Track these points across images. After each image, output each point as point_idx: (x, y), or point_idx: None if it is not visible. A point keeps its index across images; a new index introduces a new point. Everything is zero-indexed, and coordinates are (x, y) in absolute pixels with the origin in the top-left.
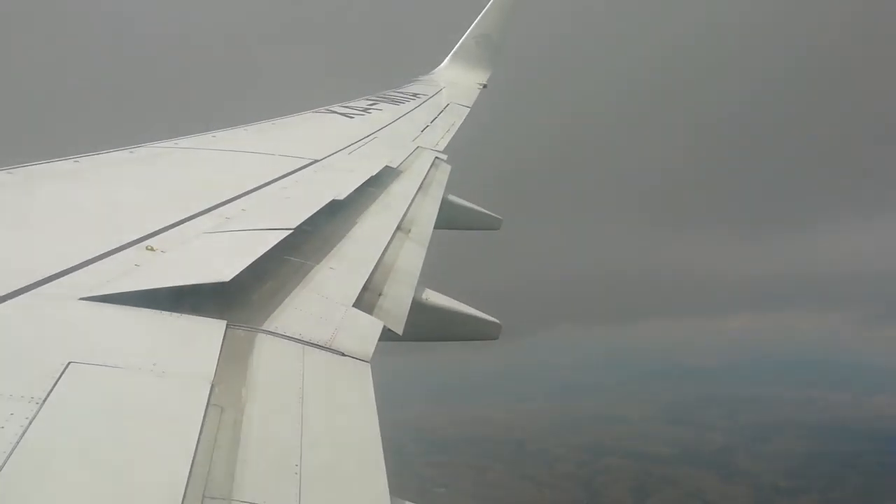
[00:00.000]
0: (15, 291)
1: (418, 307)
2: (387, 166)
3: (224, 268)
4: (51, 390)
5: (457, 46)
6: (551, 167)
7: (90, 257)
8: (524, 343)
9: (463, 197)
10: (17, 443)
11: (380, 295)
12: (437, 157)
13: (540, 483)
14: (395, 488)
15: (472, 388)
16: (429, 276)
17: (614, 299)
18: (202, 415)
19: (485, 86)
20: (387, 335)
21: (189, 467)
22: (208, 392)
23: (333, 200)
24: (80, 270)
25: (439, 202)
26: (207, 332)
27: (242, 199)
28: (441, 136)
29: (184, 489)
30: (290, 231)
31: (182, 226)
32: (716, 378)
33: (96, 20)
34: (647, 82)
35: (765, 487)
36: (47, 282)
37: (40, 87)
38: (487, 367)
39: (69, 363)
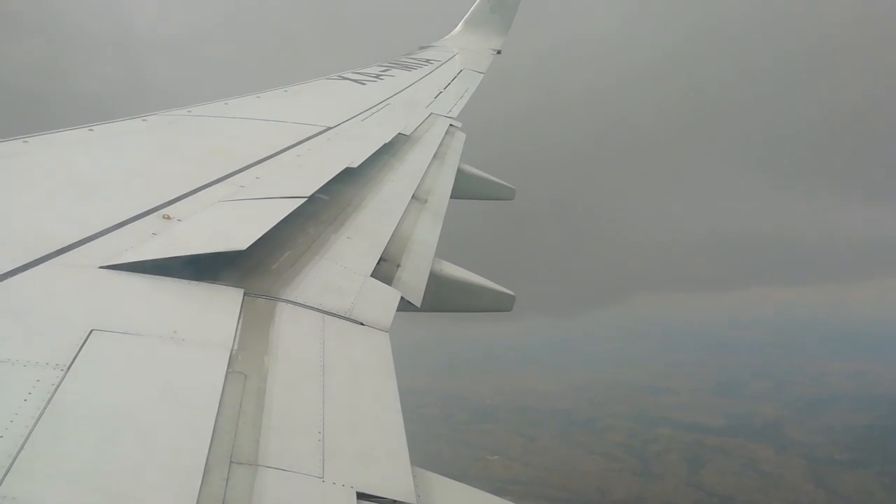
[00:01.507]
0: (36, 260)
1: (434, 278)
2: (400, 133)
3: (240, 236)
4: (75, 357)
5: (470, 11)
6: (567, 136)
7: (108, 226)
8: (561, 315)
9: (475, 165)
10: (45, 408)
11: (398, 266)
12: (451, 125)
13: (592, 451)
14: (447, 455)
15: (514, 358)
16: (443, 246)
17: (653, 270)
18: (222, 381)
19: (499, 51)
20: (403, 305)
21: (211, 431)
22: (227, 358)
23: (347, 168)
24: (99, 239)
25: (455, 171)
26: (225, 300)
27: (256, 166)
28: (454, 102)
29: (207, 453)
30: (305, 199)
31: (197, 194)
32: (763, 350)
33: None
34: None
35: (821, 460)
36: (67, 251)
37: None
38: (525, 337)
39: (91, 331)
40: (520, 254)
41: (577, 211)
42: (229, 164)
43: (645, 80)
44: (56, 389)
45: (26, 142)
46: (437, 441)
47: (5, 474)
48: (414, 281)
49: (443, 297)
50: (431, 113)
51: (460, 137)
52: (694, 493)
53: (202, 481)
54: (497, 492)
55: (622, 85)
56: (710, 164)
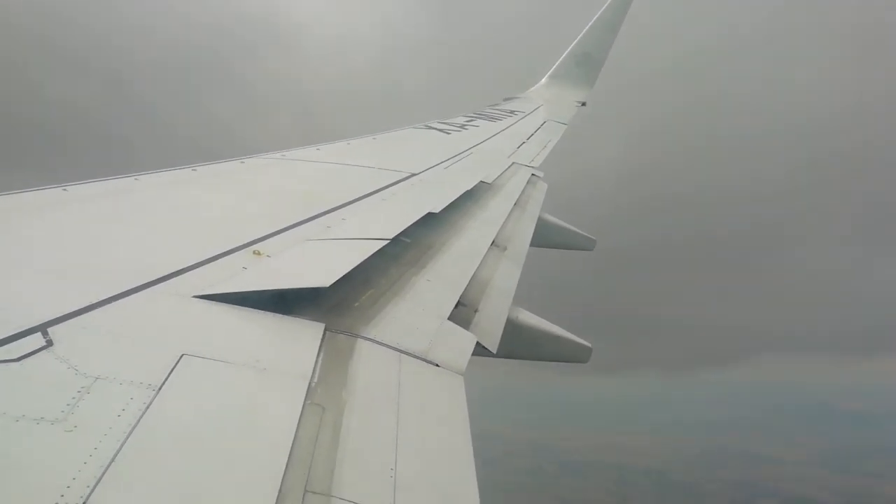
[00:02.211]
0: (136, 287)
1: (511, 325)
2: (482, 181)
3: (325, 274)
4: (166, 379)
5: (556, 64)
6: (651, 188)
7: (202, 259)
8: (647, 373)
9: (556, 215)
10: (136, 424)
11: (475, 311)
12: (532, 174)
13: None
14: None
15: (607, 415)
16: (520, 292)
17: (779, 330)
18: (300, 411)
19: (583, 104)
20: (479, 350)
21: (287, 458)
22: (306, 390)
23: (430, 213)
24: (194, 271)
25: (535, 220)
26: (307, 334)
27: (343, 209)
28: (537, 152)
29: (282, 479)
30: (388, 241)
31: (287, 232)
32: (878, 425)
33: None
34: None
35: None
36: (164, 280)
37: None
38: (616, 393)
39: (182, 355)
40: (628, 308)
41: (692, 262)
42: (318, 205)
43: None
44: (147, 408)
45: (137, 179)
46: (525, 490)
47: (96, 484)
48: (491, 326)
49: (519, 344)
50: (514, 162)
51: (542, 187)
52: None
53: None
54: None
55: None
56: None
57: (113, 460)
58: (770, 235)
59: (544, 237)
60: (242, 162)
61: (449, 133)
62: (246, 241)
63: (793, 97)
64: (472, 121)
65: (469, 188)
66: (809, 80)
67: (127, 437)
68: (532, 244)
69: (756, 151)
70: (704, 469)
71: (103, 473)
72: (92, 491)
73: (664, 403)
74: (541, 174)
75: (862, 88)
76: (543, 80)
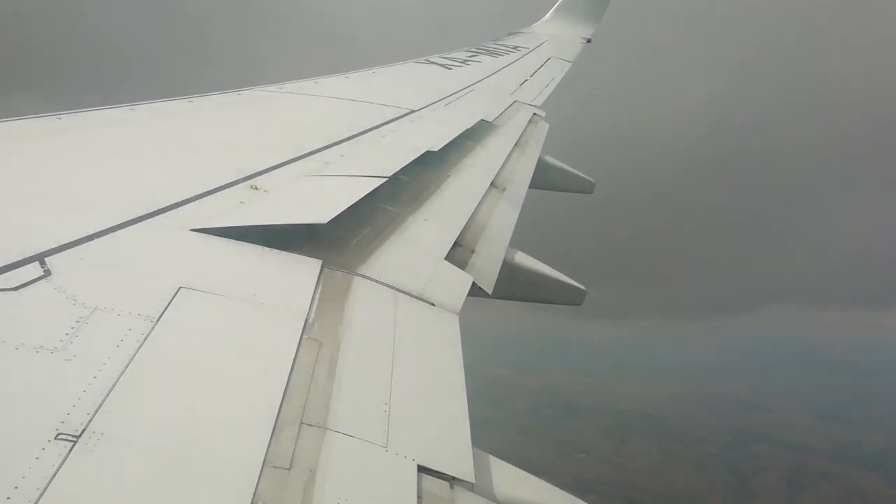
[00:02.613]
0: (133, 219)
1: (507, 266)
2: (482, 120)
3: (322, 210)
4: (163, 311)
5: None
6: (656, 131)
7: (200, 192)
8: (648, 319)
9: (555, 156)
10: (134, 354)
11: (472, 252)
12: (534, 114)
13: (683, 461)
14: (533, 448)
15: (602, 359)
16: (517, 234)
17: (742, 281)
18: (296, 344)
19: (589, 40)
20: (475, 291)
21: (283, 391)
22: (302, 325)
23: (428, 151)
24: (191, 204)
25: (535, 161)
26: (304, 270)
27: (341, 145)
28: (540, 91)
29: (277, 410)
30: (386, 179)
31: (284, 168)
32: (872, 376)
33: None
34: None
35: None
36: (162, 212)
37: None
38: (613, 338)
39: (179, 288)
40: (631, 253)
41: (704, 210)
42: (316, 140)
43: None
44: (145, 339)
45: (132, 110)
46: (523, 433)
47: (96, 412)
48: (487, 267)
49: (514, 285)
50: (516, 101)
51: (543, 127)
52: None
53: (272, 436)
54: (585, 491)
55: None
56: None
57: (112, 389)
58: (790, 179)
59: (544, 179)
60: (240, 94)
61: (450, 68)
62: (243, 176)
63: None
64: (474, 56)
65: (469, 126)
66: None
67: (126, 367)
68: (531, 186)
69: (776, 84)
70: (700, 415)
71: (103, 401)
72: (91, 418)
73: (663, 350)
74: (543, 113)
75: None
76: (548, 14)
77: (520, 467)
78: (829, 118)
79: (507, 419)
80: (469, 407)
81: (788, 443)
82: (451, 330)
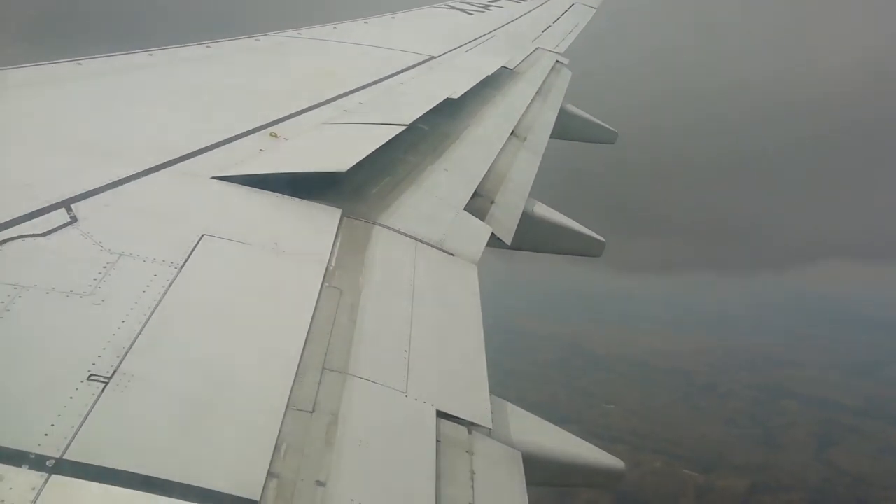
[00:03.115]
0: (156, 167)
1: (526, 218)
2: (504, 67)
3: (342, 159)
4: (187, 258)
5: None
6: (690, 77)
7: (220, 139)
8: (679, 272)
9: (578, 105)
10: (161, 299)
11: (491, 203)
12: (557, 61)
13: (711, 414)
14: (562, 398)
15: (631, 312)
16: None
17: (777, 234)
18: (317, 292)
19: None
20: (493, 241)
21: (305, 337)
22: (323, 273)
23: (448, 99)
24: (212, 151)
25: (557, 110)
26: (324, 219)
27: (360, 92)
28: (563, 37)
29: (300, 356)
30: (405, 127)
31: (303, 115)
32: None
33: None
34: None
35: None
36: (183, 160)
37: None
38: (642, 292)
39: (203, 235)
40: (661, 206)
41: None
42: (335, 87)
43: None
44: (171, 285)
45: (151, 55)
46: (551, 384)
47: (125, 354)
48: (506, 218)
49: (533, 236)
50: (538, 48)
51: (566, 75)
52: (823, 470)
53: (295, 381)
54: (614, 441)
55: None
56: None
57: (140, 332)
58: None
59: (566, 128)
60: (258, 40)
61: (471, 14)
62: (263, 123)
63: None
64: (495, 1)
65: (490, 74)
66: None
67: (153, 312)
68: (552, 136)
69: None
70: (728, 370)
71: (131, 345)
72: (121, 360)
73: (691, 304)
74: (566, 61)
75: None
76: None
77: (549, 417)
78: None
79: (535, 370)
80: (497, 356)
81: (819, 399)
82: (470, 279)
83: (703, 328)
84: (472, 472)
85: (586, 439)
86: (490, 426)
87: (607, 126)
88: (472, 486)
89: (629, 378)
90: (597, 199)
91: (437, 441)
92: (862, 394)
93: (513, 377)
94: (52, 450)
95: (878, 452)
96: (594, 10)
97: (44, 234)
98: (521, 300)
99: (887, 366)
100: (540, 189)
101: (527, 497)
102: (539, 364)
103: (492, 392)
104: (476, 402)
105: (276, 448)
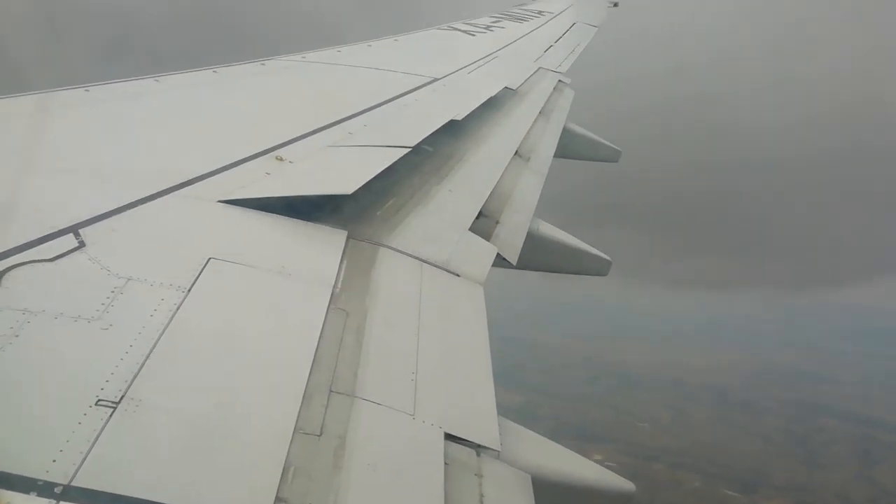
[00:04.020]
0: (163, 191)
1: (531, 237)
2: (506, 87)
3: (347, 181)
4: (194, 282)
5: None
6: (682, 99)
7: (226, 164)
8: (705, 290)
9: (581, 124)
10: (168, 324)
11: (496, 223)
12: (559, 80)
13: (748, 432)
14: (594, 416)
15: (660, 329)
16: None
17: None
18: (324, 314)
19: (616, 4)
20: (499, 262)
21: (312, 360)
22: (330, 295)
23: (452, 120)
24: (218, 175)
25: (560, 130)
26: (330, 241)
27: (365, 115)
28: (565, 57)
29: (307, 379)
30: (410, 149)
31: (308, 138)
32: None
33: None
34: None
35: None
36: (189, 184)
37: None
38: (671, 308)
39: (209, 259)
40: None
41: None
42: (339, 110)
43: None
44: (178, 309)
45: (157, 81)
46: (583, 402)
47: (133, 379)
48: (511, 238)
49: (539, 256)
50: (540, 67)
51: (568, 94)
52: (866, 489)
53: (302, 404)
54: (650, 460)
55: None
56: None
57: (148, 357)
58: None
59: (569, 147)
60: (263, 64)
61: (473, 35)
62: (268, 147)
63: None
64: (497, 22)
65: (493, 94)
66: None
67: (160, 336)
68: (556, 155)
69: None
70: (761, 388)
71: (140, 369)
72: (129, 385)
73: (719, 320)
74: (568, 80)
75: None
76: None
77: (581, 437)
78: None
79: (565, 388)
80: (526, 374)
81: (858, 416)
82: (476, 300)
83: (732, 344)
84: (482, 496)
85: (621, 459)
86: (499, 448)
87: (610, 144)
88: None
89: (662, 395)
90: (621, 215)
91: (446, 464)
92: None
93: (542, 396)
94: (60, 476)
95: None
96: (596, 29)
97: (52, 260)
98: (545, 319)
99: None
100: (545, 208)
101: None
102: (568, 383)
103: (517, 413)
104: (484, 423)
105: (284, 472)
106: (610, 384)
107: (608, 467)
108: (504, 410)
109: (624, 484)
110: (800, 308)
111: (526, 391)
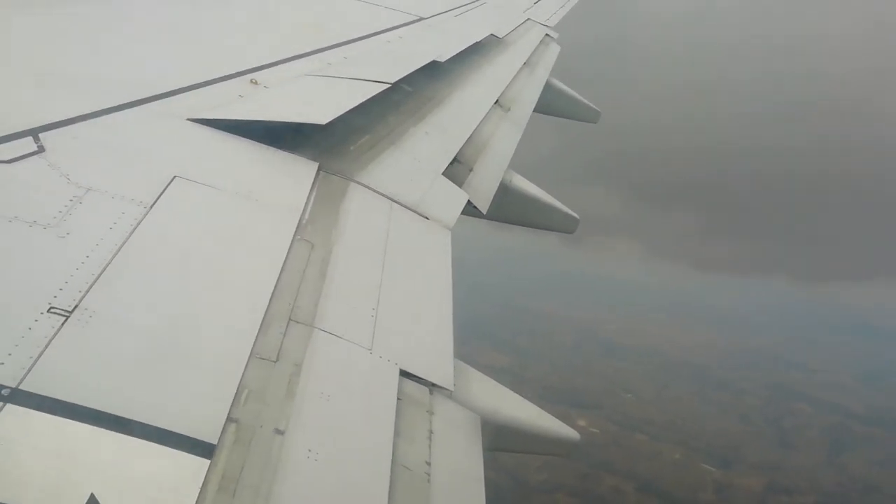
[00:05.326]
0: (130, 103)
1: (504, 188)
2: (492, 35)
3: (322, 111)
4: (157, 198)
5: None
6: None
7: (198, 82)
8: (684, 268)
9: (564, 80)
10: (128, 237)
11: (470, 170)
12: (547, 34)
13: (726, 410)
14: (581, 383)
15: (642, 301)
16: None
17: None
18: (288, 243)
19: None
20: (469, 209)
21: (273, 287)
22: (296, 225)
23: (434, 61)
24: (189, 93)
25: (542, 85)
26: (300, 171)
27: (346, 46)
28: (554, 11)
29: (266, 305)
30: (389, 85)
31: (285, 64)
32: None
33: None
34: None
35: None
36: (159, 99)
37: None
38: (657, 282)
39: (174, 177)
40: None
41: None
42: (321, 40)
43: None
44: (139, 224)
45: None
46: (568, 366)
47: (88, 289)
48: (484, 187)
49: (509, 208)
50: (529, 18)
51: (554, 49)
52: (835, 475)
53: (260, 330)
54: (634, 430)
55: None
56: None
57: (105, 269)
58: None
59: (550, 103)
60: None
61: None
62: (244, 69)
63: None
64: None
65: (478, 40)
66: None
67: (119, 249)
68: (536, 110)
69: None
70: (738, 369)
71: (95, 280)
72: (84, 295)
73: (698, 298)
74: (555, 35)
75: None
76: None
77: (567, 402)
78: None
79: (552, 352)
80: (517, 337)
81: (831, 404)
82: (442, 244)
83: (717, 325)
84: (431, 432)
85: (606, 426)
86: (451, 388)
87: (591, 105)
88: (430, 446)
89: (644, 368)
90: (614, 180)
91: (399, 399)
92: (870, 402)
93: (528, 357)
94: (7, 379)
95: (889, 461)
96: None
97: (9, 161)
98: (536, 282)
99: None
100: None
101: (482, 459)
102: (556, 346)
103: (504, 374)
104: (439, 364)
105: (237, 394)
106: (595, 352)
107: (592, 433)
108: (490, 370)
109: (570, 432)
110: (789, 297)
111: (514, 354)
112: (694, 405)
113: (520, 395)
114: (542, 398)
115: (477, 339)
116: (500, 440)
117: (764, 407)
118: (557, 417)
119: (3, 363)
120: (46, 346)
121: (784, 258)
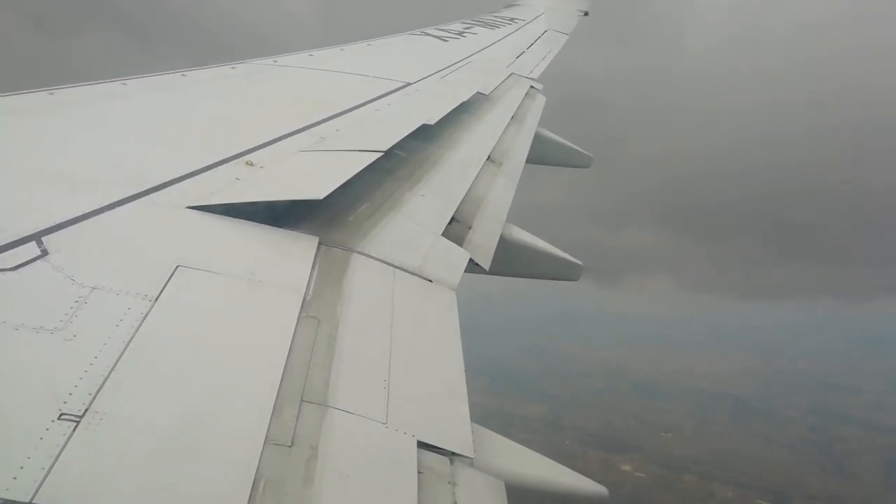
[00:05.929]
0: (129, 197)
1: (504, 242)
2: (479, 93)
3: (318, 186)
4: (162, 290)
5: None
6: (656, 103)
7: (195, 169)
8: (721, 297)
9: (552, 129)
10: (134, 334)
11: (469, 228)
12: (531, 86)
13: (773, 441)
14: (618, 425)
15: (671, 336)
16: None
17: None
18: (295, 322)
19: (586, 13)
20: (471, 267)
21: (282, 369)
22: (301, 302)
23: (424, 125)
24: (187, 181)
25: (532, 135)
26: (301, 247)
27: (337, 119)
28: (536, 63)
29: (278, 388)
30: (382, 153)
31: (279, 143)
32: None
33: None
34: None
35: None
36: (157, 190)
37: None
38: (681, 314)
39: (177, 266)
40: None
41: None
42: (311, 114)
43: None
44: (144, 318)
45: (125, 84)
46: (603, 409)
47: (98, 391)
48: (484, 243)
49: (511, 261)
50: (512, 73)
51: (540, 100)
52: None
53: (273, 414)
54: (680, 471)
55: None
56: None
57: (113, 369)
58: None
59: (541, 153)
60: (233, 68)
61: (446, 41)
62: (238, 152)
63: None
64: (470, 28)
65: (465, 99)
66: None
67: (126, 347)
68: (528, 161)
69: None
70: (781, 396)
71: (104, 382)
72: (94, 398)
73: (728, 326)
74: (540, 86)
75: None
76: None
77: (607, 448)
78: None
79: (586, 397)
80: (548, 382)
81: (880, 424)
82: (448, 306)
83: (747, 352)
84: (455, 503)
85: (652, 470)
86: (472, 455)
87: (582, 150)
88: None
89: (682, 404)
90: (578, 223)
91: (419, 472)
92: None
93: (561, 403)
94: (21, 494)
95: None
96: (566, 37)
97: (13, 269)
98: (559, 328)
99: None
100: (517, 214)
101: None
102: (589, 391)
103: (541, 424)
104: (458, 430)
105: (255, 484)
106: (627, 392)
107: (639, 478)
108: (526, 421)
109: (597, 488)
110: (817, 317)
111: (547, 401)
112: (738, 437)
113: (559, 444)
114: (584, 445)
115: (508, 391)
116: None
117: (809, 434)
118: (599, 464)
119: (15, 477)
120: (59, 455)
121: (820, 279)
